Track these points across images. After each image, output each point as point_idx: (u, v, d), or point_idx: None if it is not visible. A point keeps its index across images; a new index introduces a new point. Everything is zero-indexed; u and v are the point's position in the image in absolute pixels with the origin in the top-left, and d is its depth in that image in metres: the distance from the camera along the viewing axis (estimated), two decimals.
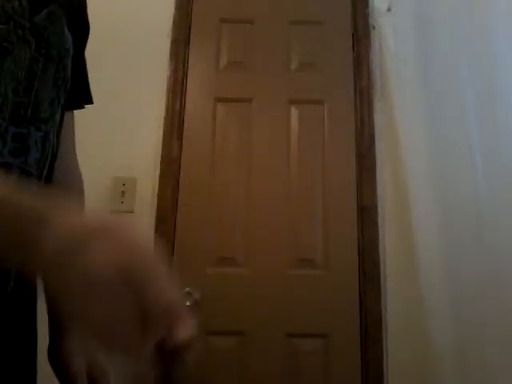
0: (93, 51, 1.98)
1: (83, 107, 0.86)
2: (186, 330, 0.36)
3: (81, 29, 0.79)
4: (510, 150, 1.87)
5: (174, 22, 2.07)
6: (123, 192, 1.87)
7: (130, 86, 1.99)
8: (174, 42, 2.05)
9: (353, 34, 2.09)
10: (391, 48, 2.00)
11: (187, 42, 2.06)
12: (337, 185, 1.92)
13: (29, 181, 0.63)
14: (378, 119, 1.98)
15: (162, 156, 1.91)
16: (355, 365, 1.75)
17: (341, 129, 1.99)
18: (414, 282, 1.76)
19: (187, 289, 1.76)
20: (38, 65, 0.64)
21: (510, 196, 1.82)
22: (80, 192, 0.88)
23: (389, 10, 2.04)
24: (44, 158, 0.66)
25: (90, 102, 0.87)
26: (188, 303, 1.75)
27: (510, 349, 1.66)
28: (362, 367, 1.75)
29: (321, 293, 1.82)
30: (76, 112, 0.87)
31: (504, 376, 1.62)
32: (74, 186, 0.86)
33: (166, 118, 1.96)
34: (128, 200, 1.87)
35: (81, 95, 0.84)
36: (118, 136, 1.93)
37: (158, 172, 1.90)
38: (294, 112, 2.00)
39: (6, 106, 0.59)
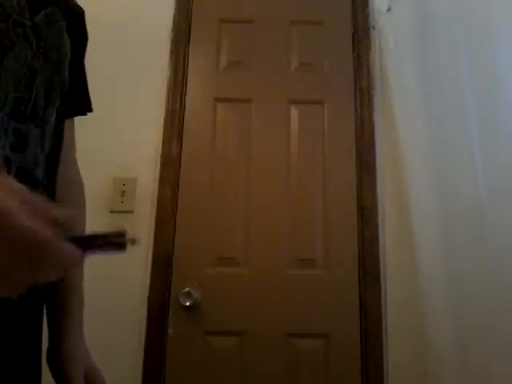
0: (93, 51, 1.98)
1: (85, 114, 0.86)
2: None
3: (79, 36, 0.79)
4: (510, 151, 1.87)
5: (174, 22, 2.07)
6: (123, 192, 1.87)
7: (130, 86, 1.99)
8: (174, 42, 2.05)
9: (353, 34, 2.09)
10: (391, 48, 2.00)
11: (187, 42, 2.06)
12: (337, 185, 1.92)
13: (27, 178, 0.63)
14: (378, 119, 1.98)
15: (161, 156, 1.92)
16: (355, 365, 1.75)
17: (341, 129, 1.99)
18: (414, 282, 1.76)
19: (187, 289, 1.76)
20: (38, 63, 0.64)
21: (509, 196, 1.82)
22: (82, 198, 0.88)
23: (389, 9, 2.04)
24: (43, 157, 0.66)
25: (90, 109, 0.88)
26: (187, 303, 1.75)
27: (510, 348, 1.66)
28: (362, 367, 1.75)
29: (321, 293, 1.82)
30: None
31: (504, 375, 1.62)
32: (76, 193, 0.86)
33: (165, 118, 1.96)
34: (128, 200, 1.87)
35: (82, 103, 0.85)
36: (118, 136, 1.93)
37: (157, 172, 1.90)
38: (294, 112, 2.00)
39: (7, 100, 0.59)
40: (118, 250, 0.44)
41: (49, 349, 0.74)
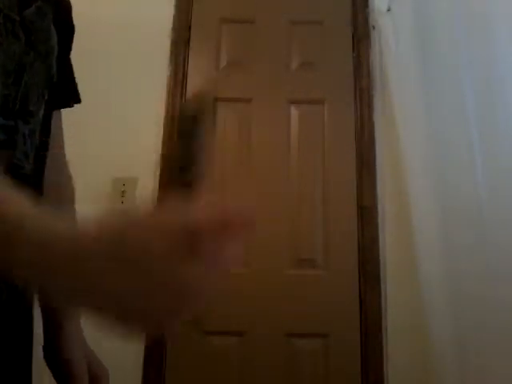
0: (93, 51, 1.98)
1: (72, 106, 0.85)
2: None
3: (66, 29, 0.79)
4: (510, 151, 1.87)
5: (174, 22, 2.07)
6: (123, 192, 1.87)
7: (130, 85, 1.99)
8: (174, 43, 2.05)
9: (353, 34, 2.09)
10: (391, 48, 2.00)
11: (187, 43, 2.06)
12: (337, 185, 1.92)
13: (17, 174, 0.63)
14: (378, 119, 1.98)
15: (162, 156, 1.91)
16: (355, 365, 1.75)
17: (341, 129, 1.99)
18: (414, 282, 1.76)
19: None
20: (27, 58, 0.64)
21: (510, 196, 1.82)
22: (71, 193, 0.87)
23: (389, 9, 2.04)
24: (32, 153, 0.66)
25: (78, 101, 0.86)
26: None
27: (510, 349, 1.66)
28: (362, 367, 1.75)
29: (321, 293, 1.82)
30: (76, 112, 0.86)
31: (504, 375, 1.62)
32: (65, 187, 0.85)
33: (165, 118, 1.96)
34: (128, 200, 1.87)
35: (69, 94, 0.84)
36: (118, 136, 1.93)
37: (158, 172, 1.90)
38: (294, 112, 2.00)
39: None
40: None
41: (45, 346, 0.73)
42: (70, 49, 0.83)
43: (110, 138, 1.92)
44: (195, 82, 2.03)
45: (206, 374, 1.74)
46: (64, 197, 0.84)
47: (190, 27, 2.08)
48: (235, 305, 1.80)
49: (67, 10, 0.81)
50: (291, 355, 1.76)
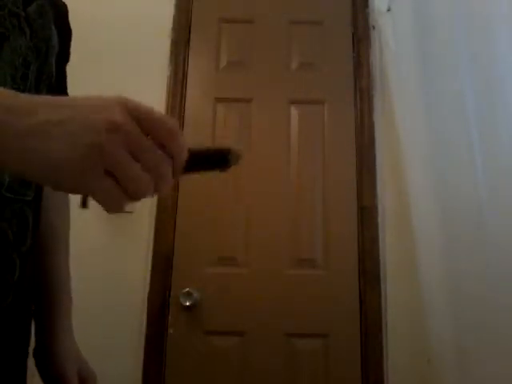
0: (94, 51, 1.98)
1: None
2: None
3: (65, 31, 0.79)
4: (510, 150, 1.87)
5: (174, 22, 2.07)
6: None
7: (130, 85, 1.98)
8: (174, 43, 2.05)
9: (353, 34, 2.09)
10: (391, 48, 2.00)
11: (187, 42, 2.07)
12: (337, 185, 1.92)
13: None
14: (378, 119, 1.98)
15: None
16: (355, 365, 1.75)
17: (341, 129, 1.99)
18: (414, 282, 1.76)
19: (187, 289, 1.76)
20: (32, 55, 0.64)
21: (510, 196, 1.82)
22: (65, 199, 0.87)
23: (389, 9, 2.04)
24: None
25: None
26: (187, 303, 1.75)
27: (510, 349, 1.66)
28: (362, 367, 1.75)
29: (321, 293, 1.82)
30: None
31: (503, 375, 1.62)
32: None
33: None
34: None
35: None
36: None
37: None
38: (294, 112, 2.00)
39: None
40: (220, 168, 0.41)
41: (37, 349, 0.73)
42: (68, 53, 0.82)
43: None
44: (195, 82, 2.03)
45: (206, 374, 1.74)
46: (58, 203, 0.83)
47: (189, 27, 2.08)
48: (235, 305, 1.80)
49: (65, 13, 0.81)
50: (291, 355, 1.76)
